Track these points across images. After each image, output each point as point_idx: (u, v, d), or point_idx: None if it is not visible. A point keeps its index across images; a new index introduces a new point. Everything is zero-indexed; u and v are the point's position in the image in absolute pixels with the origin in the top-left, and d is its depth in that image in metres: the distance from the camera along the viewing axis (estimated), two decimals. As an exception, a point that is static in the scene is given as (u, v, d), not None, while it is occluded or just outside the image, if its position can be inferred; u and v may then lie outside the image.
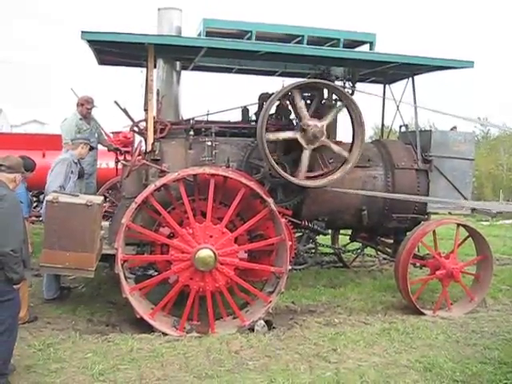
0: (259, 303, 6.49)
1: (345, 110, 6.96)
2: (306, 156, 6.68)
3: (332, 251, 9.56)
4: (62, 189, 6.55)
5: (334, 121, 7.34)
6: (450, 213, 8.03)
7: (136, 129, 7.07)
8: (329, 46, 7.33)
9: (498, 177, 34.37)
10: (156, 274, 6.81)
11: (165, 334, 5.93)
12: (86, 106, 8.11)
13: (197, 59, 7.32)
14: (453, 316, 7.03)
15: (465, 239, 7.62)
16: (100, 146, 8.84)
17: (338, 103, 7.03)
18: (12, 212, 4.53)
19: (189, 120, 7.20)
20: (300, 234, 7.69)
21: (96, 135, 8.37)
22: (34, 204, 11.76)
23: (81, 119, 8.07)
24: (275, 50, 6.66)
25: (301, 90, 6.81)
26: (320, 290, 8.17)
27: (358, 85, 8.11)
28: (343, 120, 7.26)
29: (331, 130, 7.20)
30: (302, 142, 6.61)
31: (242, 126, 7.54)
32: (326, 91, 7.33)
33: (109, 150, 9.11)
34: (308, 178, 6.89)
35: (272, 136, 6.60)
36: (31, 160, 6.64)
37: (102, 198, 6.47)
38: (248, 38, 6.97)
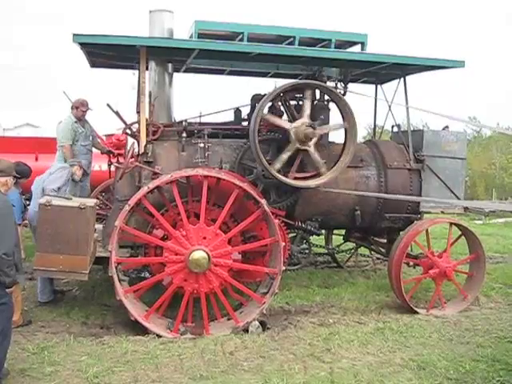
0: (253, 304, 6.50)
1: (338, 110, 7.00)
2: (313, 154, 6.72)
3: (326, 251, 9.58)
4: (59, 190, 6.55)
5: (327, 120, 7.35)
6: (442, 212, 8.07)
7: (128, 131, 7.08)
8: (320, 47, 7.36)
9: (490, 176, 34.54)
10: (150, 276, 6.81)
11: (159, 336, 5.93)
12: (81, 109, 8.10)
13: (189, 61, 7.33)
14: (446, 314, 7.06)
15: (457, 238, 7.65)
16: (93, 149, 8.82)
17: (340, 123, 7.03)
18: (3, 215, 4.52)
19: (181, 122, 7.20)
20: (293, 234, 7.71)
21: (90, 138, 8.37)
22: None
23: (76, 122, 8.06)
24: (267, 51, 6.68)
25: (291, 92, 6.85)
26: (314, 291, 8.18)
27: (350, 85, 8.15)
28: (337, 120, 7.29)
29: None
30: (292, 136, 6.63)
31: (234, 128, 7.56)
32: (318, 92, 7.36)
33: (102, 153, 9.10)
34: (301, 178, 6.91)
35: (270, 117, 6.64)
36: (27, 166, 6.63)
37: (95, 200, 6.48)
38: (240, 40, 6.98)
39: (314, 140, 6.69)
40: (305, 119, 6.68)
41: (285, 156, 6.70)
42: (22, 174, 6.20)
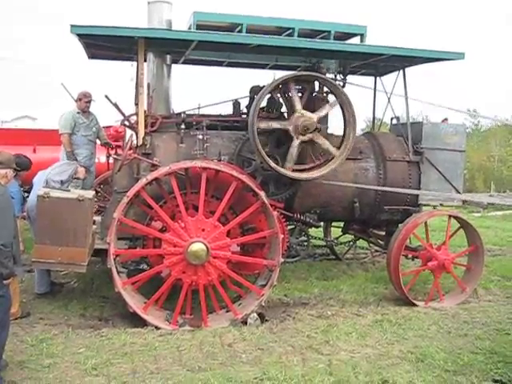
0: (252, 296, 6.50)
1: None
2: (294, 147, 6.67)
3: (324, 244, 9.58)
4: (62, 183, 6.54)
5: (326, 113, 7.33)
6: (441, 204, 8.07)
7: (127, 123, 7.05)
8: (320, 39, 7.32)
9: (489, 168, 34.58)
10: (148, 268, 6.81)
11: (158, 328, 5.93)
12: (83, 100, 8.20)
13: (187, 52, 7.29)
14: (444, 307, 7.07)
15: (456, 230, 7.65)
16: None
17: (333, 98, 7.00)
18: (3, 207, 4.51)
19: (180, 114, 7.18)
20: (292, 226, 7.71)
21: (94, 129, 8.40)
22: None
23: (78, 113, 8.16)
24: (266, 42, 6.64)
25: (292, 83, 6.81)
26: (312, 283, 8.20)
27: (349, 77, 8.12)
28: (335, 112, 7.27)
29: (323, 122, 7.18)
30: (293, 132, 6.61)
31: (233, 119, 7.53)
32: (317, 84, 7.33)
33: (101, 145, 9.10)
34: (299, 170, 6.89)
35: (263, 124, 6.60)
36: (27, 158, 6.61)
37: (93, 192, 6.46)
38: (239, 31, 6.94)
39: (306, 136, 6.66)
40: (299, 111, 6.65)
41: (293, 151, 6.65)
42: (22, 167, 6.17)
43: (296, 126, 6.57)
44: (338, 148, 6.93)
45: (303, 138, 6.63)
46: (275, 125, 6.70)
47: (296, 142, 6.63)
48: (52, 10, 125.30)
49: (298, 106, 6.68)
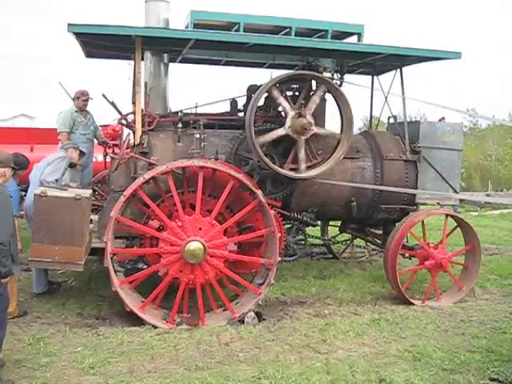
0: (249, 295, 6.50)
1: (334, 101, 6.99)
2: (301, 147, 6.69)
3: (321, 242, 9.59)
4: (57, 182, 6.53)
5: (323, 111, 7.34)
6: (438, 203, 8.08)
7: (124, 122, 7.04)
8: (317, 38, 7.32)
9: (486, 167, 34.65)
10: (146, 267, 6.80)
11: (155, 327, 5.92)
12: (81, 99, 8.25)
13: (185, 51, 7.30)
14: (441, 306, 7.08)
15: (453, 229, 7.66)
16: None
17: (321, 90, 6.99)
18: (1, 205, 4.50)
19: (177, 112, 7.18)
20: (289, 225, 7.71)
21: (92, 128, 8.43)
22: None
23: (76, 111, 8.20)
24: (263, 41, 6.65)
25: (288, 83, 6.82)
26: (310, 282, 8.19)
27: (347, 76, 8.12)
28: (333, 111, 7.28)
29: (319, 119, 7.18)
30: (294, 135, 6.63)
31: (230, 118, 7.53)
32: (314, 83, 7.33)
33: (98, 144, 9.10)
34: (296, 169, 6.90)
35: (262, 139, 6.60)
36: (25, 157, 6.60)
37: (90, 191, 6.45)
38: (236, 30, 6.94)
39: (309, 133, 6.67)
40: (291, 114, 6.68)
41: (273, 135, 6.67)
42: (21, 166, 6.17)
43: (295, 121, 6.58)
44: (337, 146, 6.96)
45: (304, 137, 6.64)
46: (283, 102, 6.73)
47: (301, 143, 6.65)
48: (52, 10, 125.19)
49: (313, 106, 6.74)
